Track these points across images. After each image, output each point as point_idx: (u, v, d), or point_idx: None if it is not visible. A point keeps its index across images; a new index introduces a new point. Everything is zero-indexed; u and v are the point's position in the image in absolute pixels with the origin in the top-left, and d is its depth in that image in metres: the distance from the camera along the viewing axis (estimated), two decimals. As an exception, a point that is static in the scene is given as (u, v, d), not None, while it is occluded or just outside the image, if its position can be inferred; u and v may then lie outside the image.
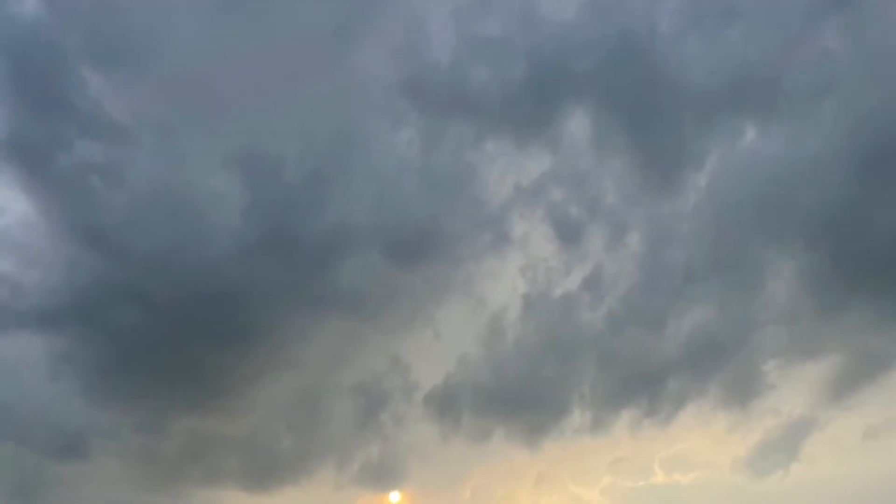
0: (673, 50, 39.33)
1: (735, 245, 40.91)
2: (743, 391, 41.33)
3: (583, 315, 41.51)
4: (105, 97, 39.57)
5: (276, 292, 41.38)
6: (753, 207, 40.28)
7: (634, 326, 41.32)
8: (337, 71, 40.72)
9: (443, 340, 42.28)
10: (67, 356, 41.29)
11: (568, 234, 41.38)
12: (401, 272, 41.79)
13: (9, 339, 41.26)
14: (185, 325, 41.06)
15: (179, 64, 39.99)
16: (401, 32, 40.87)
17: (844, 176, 39.00)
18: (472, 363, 42.31)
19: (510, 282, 42.38)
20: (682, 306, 41.01)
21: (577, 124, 40.88)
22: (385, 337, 42.91)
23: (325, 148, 40.47)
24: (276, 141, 40.22)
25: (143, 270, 40.22)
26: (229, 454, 43.17)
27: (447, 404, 42.41)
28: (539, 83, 40.22)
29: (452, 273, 42.12)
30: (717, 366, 41.45)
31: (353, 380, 43.15)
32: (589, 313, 41.45)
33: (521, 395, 42.03)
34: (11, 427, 41.65)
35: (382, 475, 43.16)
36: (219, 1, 40.52)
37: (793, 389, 41.56)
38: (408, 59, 40.45)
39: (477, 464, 43.99)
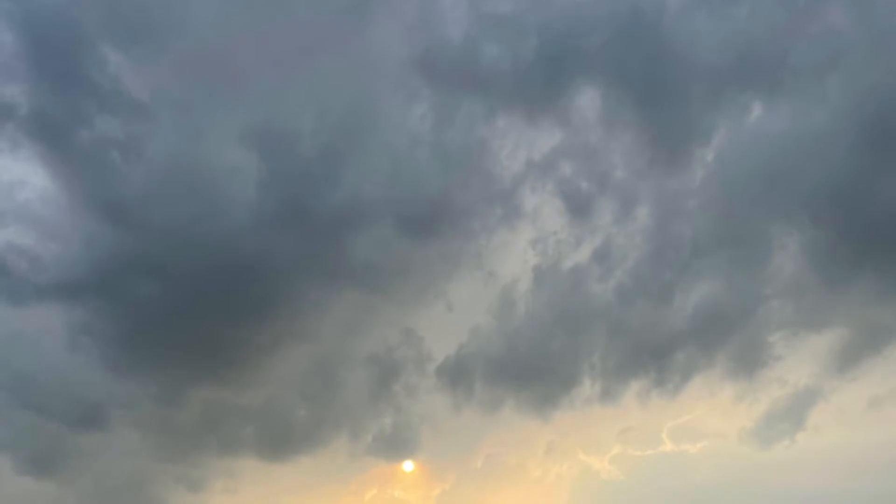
0: (681, 27, 40.01)
1: (742, 219, 41.62)
2: (749, 362, 42.07)
3: (592, 287, 42.26)
4: (124, 74, 40.31)
5: (291, 265, 42.16)
6: (760, 182, 40.98)
7: (643, 299, 42.07)
8: (351, 47, 41.45)
9: (455, 312, 43.04)
10: (86, 328, 42.06)
11: (578, 207, 42.10)
12: (414, 245, 42.54)
13: (28, 311, 42.06)
14: (202, 297, 41.84)
15: (197, 41, 40.74)
16: (414, 9, 41.61)
17: (849, 151, 39.74)
18: (483, 335, 43.08)
19: (521, 255, 43.13)
20: (689, 279, 41.75)
21: (587, 100, 41.57)
22: (398, 309, 43.69)
23: (340, 123, 41.18)
24: (291, 116, 40.98)
25: (161, 243, 40.99)
26: (245, 424, 43.96)
27: (459, 375, 43.17)
28: (549, 59, 40.92)
29: (464, 246, 42.87)
30: (724, 337, 42.20)
31: (367, 351, 43.93)
32: (598, 286, 42.21)
33: (531, 366, 42.80)
34: (31, 397, 42.46)
35: (396, 445, 43.92)
36: (235, -21, 41.24)
37: (798, 361, 42.31)
38: (421, 35, 41.15)
39: (488, 433, 44.74)
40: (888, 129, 39.06)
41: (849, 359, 41.70)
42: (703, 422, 44.54)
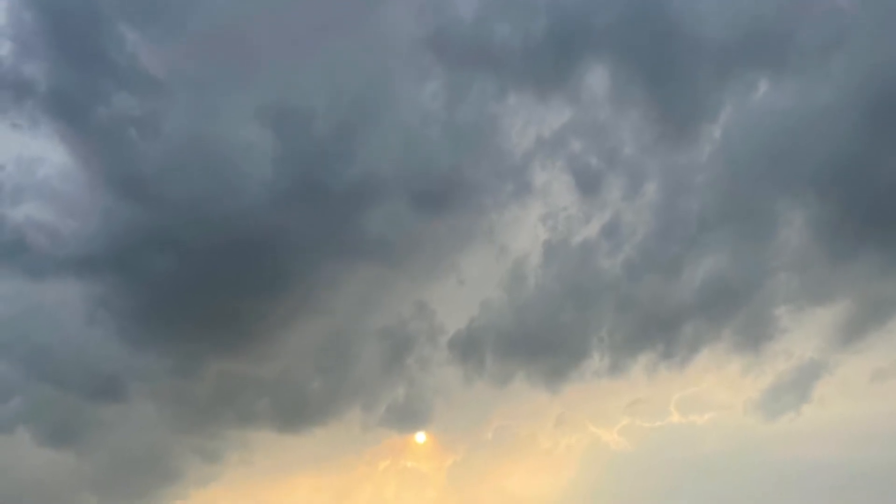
0: (688, 5, 40.72)
1: (748, 194, 42.35)
2: (756, 335, 42.80)
3: (601, 262, 42.98)
4: (141, 52, 41.01)
5: (306, 240, 42.85)
6: (766, 158, 41.70)
7: (651, 273, 42.78)
8: (365, 26, 42.18)
9: (467, 286, 43.78)
10: (104, 302, 42.77)
11: (587, 183, 42.81)
12: (426, 221, 43.24)
13: (47, 285, 42.77)
14: (218, 271, 42.52)
15: (213, 20, 41.45)
16: (426, -11, 42.29)
17: (854, 127, 40.46)
18: (494, 308, 43.80)
19: (531, 230, 43.85)
20: (697, 253, 42.47)
21: (596, 78, 42.25)
22: (411, 283, 44.41)
23: (354, 101, 41.86)
24: (306, 94, 41.66)
25: (178, 219, 41.69)
26: (261, 396, 44.69)
27: (470, 348, 43.91)
28: (559, 38, 41.62)
29: (476, 221, 43.59)
30: (730, 311, 42.94)
31: (380, 325, 44.66)
32: (607, 260, 42.92)
33: (541, 339, 43.52)
34: (50, 370, 43.17)
35: (408, 417, 44.65)
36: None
37: (804, 334, 43.06)
38: (433, 14, 41.84)
39: (499, 406, 45.49)
40: (892, 107, 39.81)
41: (853, 332, 42.47)
42: (710, 394, 45.34)
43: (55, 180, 42.39)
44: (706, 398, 45.49)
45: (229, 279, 42.70)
